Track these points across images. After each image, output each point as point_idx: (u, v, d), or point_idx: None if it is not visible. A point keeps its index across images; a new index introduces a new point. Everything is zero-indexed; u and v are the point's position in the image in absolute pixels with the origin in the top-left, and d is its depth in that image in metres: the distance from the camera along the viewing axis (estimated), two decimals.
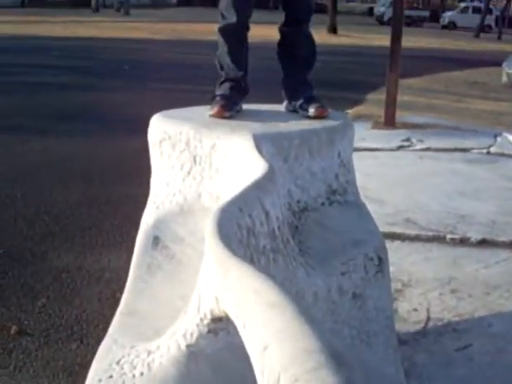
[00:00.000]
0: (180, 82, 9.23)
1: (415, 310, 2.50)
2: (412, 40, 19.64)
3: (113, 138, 5.54)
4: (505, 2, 39.13)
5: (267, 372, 0.78)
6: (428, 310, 2.49)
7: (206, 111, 2.25)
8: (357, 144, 5.00)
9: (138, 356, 1.34)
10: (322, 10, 53.93)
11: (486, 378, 2.08)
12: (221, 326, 1.23)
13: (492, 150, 5.03)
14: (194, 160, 2.03)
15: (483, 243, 3.15)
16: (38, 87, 8.08)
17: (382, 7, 42.50)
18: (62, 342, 2.49)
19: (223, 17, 2.33)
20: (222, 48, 2.35)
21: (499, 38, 31.77)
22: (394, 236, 3.22)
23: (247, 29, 2.40)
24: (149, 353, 1.32)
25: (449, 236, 3.20)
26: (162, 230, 1.98)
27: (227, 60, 2.33)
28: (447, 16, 42.63)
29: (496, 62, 14.71)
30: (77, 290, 2.90)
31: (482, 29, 34.81)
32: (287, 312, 0.82)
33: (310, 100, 2.27)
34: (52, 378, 2.28)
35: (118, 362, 1.35)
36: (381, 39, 19.83)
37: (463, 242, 3.16)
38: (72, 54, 12.42)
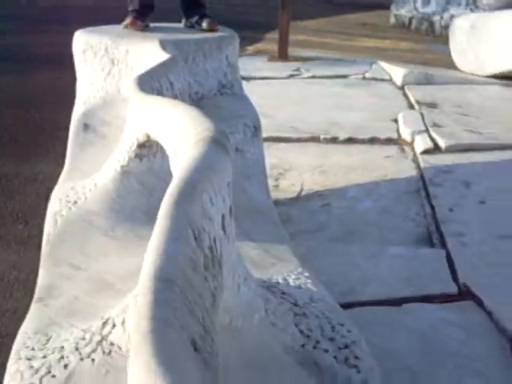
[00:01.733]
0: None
1: (292, 185, 3.23)
2: None
3: (34, 72, 5.93)
4: None
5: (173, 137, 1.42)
6: (302, 185, 3.23)
7: (120, 27, 2.82)
8: (253, 74, 5.74)
9: (86, 182, 1.95)
10: None
11: (340, 222, 2.84)
12: (144, 153, 1.87)
13: (367, 75, 5.82)
14: (112, 62, 2.61)
15: (349, 141, 3.92)
16: None
17: None
18: (10, 224, 3.04)
19: None
20: None
21: None
22: (280, 139, 3.92)
23: None
24: (93, 178, 1.94)
25: (322, 136, 3.95)
26: (90, 118, 2.55)
27: None
28: None
29: (386, 4, 15.69)
30: (16, 189, 3.43)
31: None
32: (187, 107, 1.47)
33: (203, 16, 2.89)
34: (6, 246, 2.83)
35: (72, 188, 1.96)
36: None
37: (333, 140, 3.93)
38: None
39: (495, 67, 5.54)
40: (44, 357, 1.20)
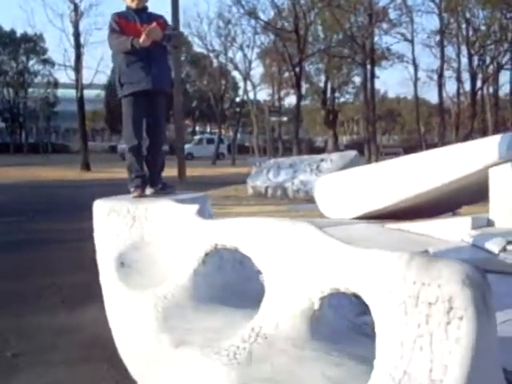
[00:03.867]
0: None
1: None
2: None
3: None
4: (233, 134, 45.50)
5: None
6: None
7: (128, 197, 3.95)
8: None
9: (167, 285, 2.96)
10: (66, 150, 55.37)
11: None
12: (207, 260, 2.95)
13: None
14: (134, 219, 3.69)
15: None
16: None
17: (125, 144, 46.09)
18: None
19: (128, 141, 4.09)
20: (131, 159, 4.09)
21: (233, 163, 36.76)
22: None
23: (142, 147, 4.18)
24: (173, 282, 2.95)
25: None
26: (124, 258, 3.56)
27: (136, 165, 4.07)
28: (185, 148, 47.43)
29: (237, 181, 17.98)
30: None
31: (218, 156, 39.88)
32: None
33: (165, 184, 4.17)
34: None
35: (157, 292, 2.95)
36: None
37: None
38: None
39: (357, 210, 7.25)
40: None
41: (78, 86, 30.20)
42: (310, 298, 2.16)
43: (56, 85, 55.07)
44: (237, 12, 32.94)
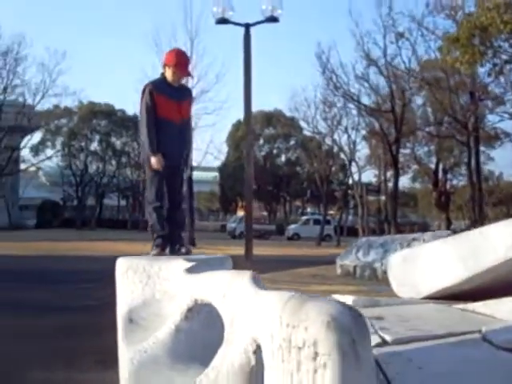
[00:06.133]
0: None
1: None
2: (261, 249, 22.50)
3: None
4: (339, 215, 45.04)
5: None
6: None
7: (148, 255, 4.02)
8: None
9: (149, 340, 2.92)
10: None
11: None
12: (189, 315, 2.89)
13: None
14: (148, 277, 3.72)
15: None
16: None
17: (233, 223, 47.10)
18: None
19: (152, 202, 4.22)
20: (154, 219, 4.20)
21: (338, 244, 36.07)
22: None
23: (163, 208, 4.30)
24: (154, 336, 2.91)
25: None
26: (133, 314, 3.57)
27: (157, 226, 4.17)
28: (291, 229, 47.63)
29: (334, 261, 17.69)
30: None
31: (323, 238, 39.47)
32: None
33: (181, 245, 4.20)
34: None
35: (139, 346, 2.92)
36: (234, 249, 22.63)
37: None
38: None
39: (428, 289, 6.83)
40: None
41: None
42: (246, 351, 2.04)
43: None
44: (332, 94, 33.30)
